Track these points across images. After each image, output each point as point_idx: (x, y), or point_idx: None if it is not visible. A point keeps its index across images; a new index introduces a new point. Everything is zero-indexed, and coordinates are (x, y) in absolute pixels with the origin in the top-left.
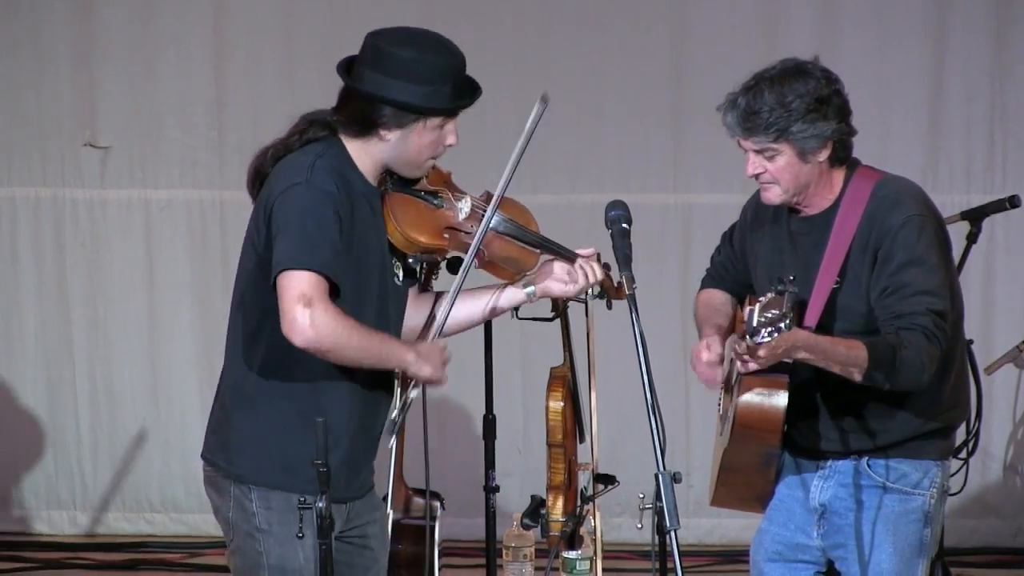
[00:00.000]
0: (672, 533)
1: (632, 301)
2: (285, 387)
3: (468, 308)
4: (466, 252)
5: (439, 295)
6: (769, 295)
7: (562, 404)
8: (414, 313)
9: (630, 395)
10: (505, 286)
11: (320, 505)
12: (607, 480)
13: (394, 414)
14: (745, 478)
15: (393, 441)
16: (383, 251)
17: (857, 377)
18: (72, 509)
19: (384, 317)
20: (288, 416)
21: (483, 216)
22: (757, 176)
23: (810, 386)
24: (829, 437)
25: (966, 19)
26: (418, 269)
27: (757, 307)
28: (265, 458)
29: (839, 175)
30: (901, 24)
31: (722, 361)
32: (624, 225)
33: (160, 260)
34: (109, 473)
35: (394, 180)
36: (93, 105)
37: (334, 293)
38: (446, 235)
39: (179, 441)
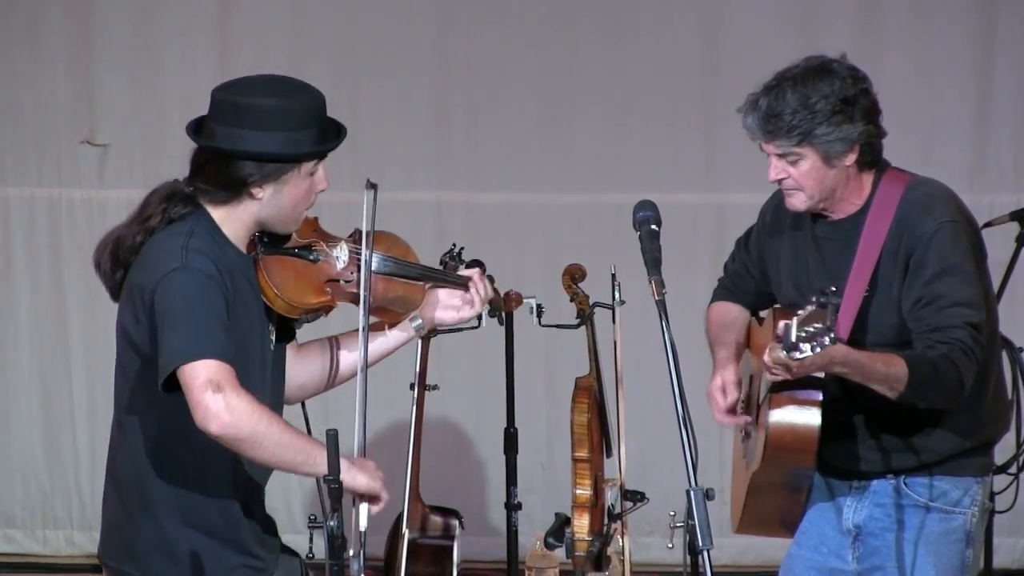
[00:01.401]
0: (705, 553)
1: (662, 307)
2: (176, 481)
3: (355, 355)
4: (350, 302)
5: (323, 343)
6: (809, 308)
7: (588, 416)
8: (301, 370)
9: (660, 406)
10: (389, 327)
11: (331, 524)
12: (636, 497)
13: (350, 551)
14: (774, 502)
15: (409, 455)
16: (261, 321)
17: (893, 395)
18: (69, 528)
19: (262, 388)
20: (185, 512)
21: (360, 260)
22: (780, 182)
23: (841, 402)
24: (866, 457)
25: (1015, 8)
26: (292, 330)
27: (796, 321)
28: (175, 559)
29: (868, 178)
30: (946, 15)
31: (739, 404)
32: (653, 227)
33: None
34: None
35: (264, 242)
36: (92, 100)
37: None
38: (328, 289)
39: None
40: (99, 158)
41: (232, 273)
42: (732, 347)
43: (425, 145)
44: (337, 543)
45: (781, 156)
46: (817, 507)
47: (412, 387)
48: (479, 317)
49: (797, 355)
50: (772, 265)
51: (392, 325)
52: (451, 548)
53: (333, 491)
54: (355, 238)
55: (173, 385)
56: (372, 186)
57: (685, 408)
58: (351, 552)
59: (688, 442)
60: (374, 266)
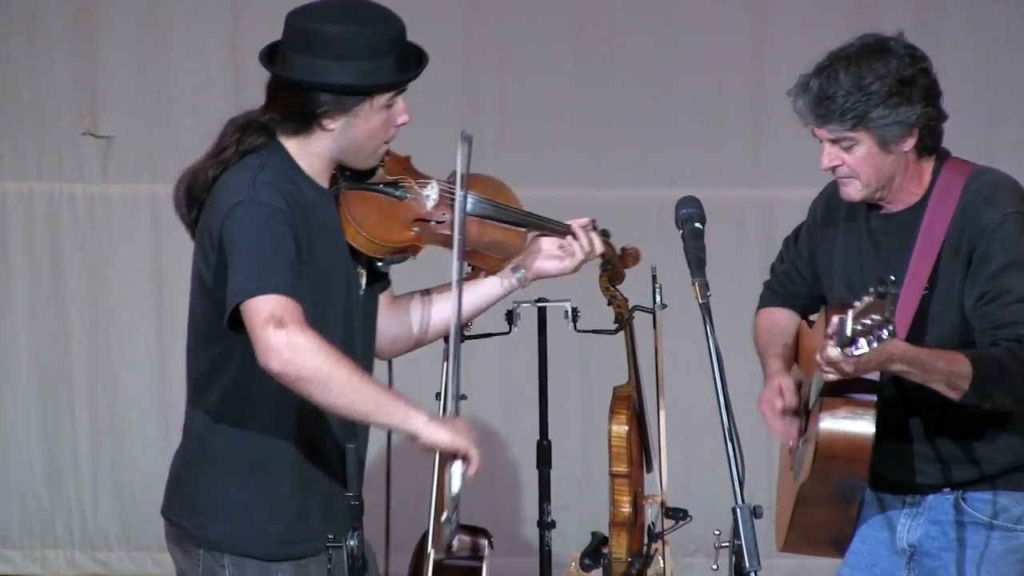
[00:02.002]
0: (752, 575)
1: (706, 310)
2: (246, 442)
3: (448, 308)
4: (440, 244)
5: (417, 295)
6: (866, 299)
7: (627, 428)
8: (393, 322)
9: (704, 417)
10: (487, 274)
11: (352, 544)
12: (678, 515)
13: (444, 516)
14: (823, 516)
15: (435, 470)
16: (345, 262)
17: (955, 395)
18: (70, 548)
19: (349, 336)
20: (253, 476)
21: (453, 201)
22: (834, 169)
23: (896, 406)
24: (922, 468)
25: None
26: (383, 274)
27: (851, 313)
28: (237, 523)
29: (928, 166)
30: None
31: (798, 410)
32: (697, 224)
33: (171, 265)
34: (112, 507)
35: (346, 176)
36: (94, 88)
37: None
38: (415, 229)
39: None
40: (102, 151)
41: (307, 209)
42: (783, 358)
43: (453, 137)
44: (358, 564)
45: (834, 142)
46: (868, 524)
47: (438, 396)
48: (510, 322)
49: (854, 351)
50: (824, 264)
51: (491, 273)
52: (480, 570)
53: (352, 508)
54: (450, 179)
55: (238, 324)
56: (467, 138)
57: (731, 419)
58: (444, 516)
59: (734, 456)
60: (470, 207)
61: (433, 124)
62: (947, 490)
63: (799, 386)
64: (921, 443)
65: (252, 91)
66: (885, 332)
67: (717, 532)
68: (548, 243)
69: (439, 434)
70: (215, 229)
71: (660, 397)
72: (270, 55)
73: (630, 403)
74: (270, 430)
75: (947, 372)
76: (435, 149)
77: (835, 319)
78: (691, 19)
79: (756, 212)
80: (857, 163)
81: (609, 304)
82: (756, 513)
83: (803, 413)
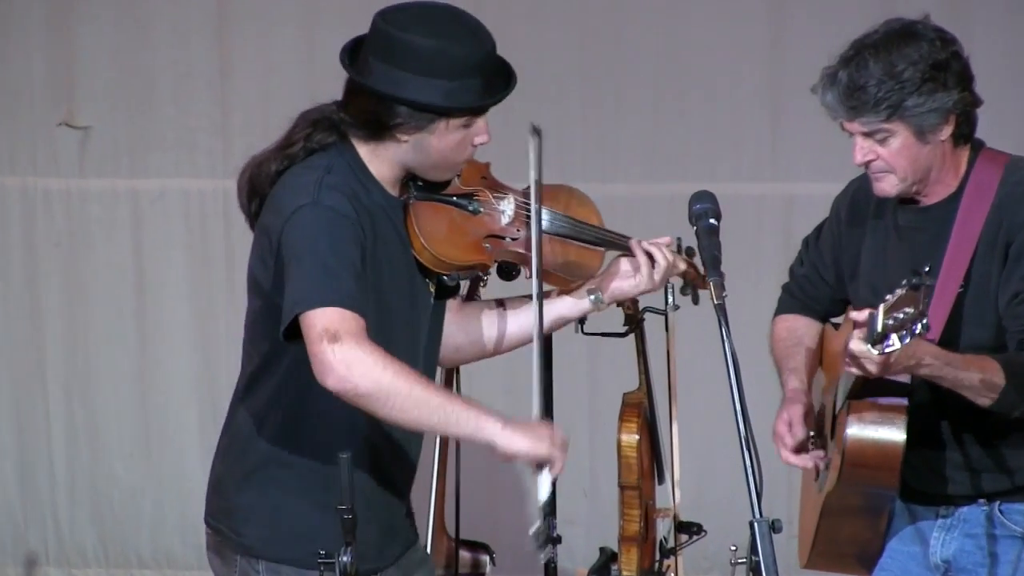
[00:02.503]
0: None
1: (722, 313)
2: (291, 445)
3: (521, 322)
4: (512, 261)
5: (489, 307)
6: (899, 291)
7: (637, 437)
8: (458, 331)
9: (719, 426)
10: (561, 293)
11: (344, 560)
12: (692, 529)
13: (533, 528)
14: (851, 530)
15: (433, 482)
16: (411, 273)
17: (986, 402)
18: (45, 564)
19: (414, 348)
20: (295, 479)
21: (529, 217)
22: (867, 164)
23: (928, 412)
24: (954, 478)
25: None
26: (459, 285)
27: (882, 308)
28: (275, 528)
29: (963, 156)
30: None
31: (807, 445)
32: (712, 221)
33: (152, 263)
34: (90, 522)
35: (418, 186)
36: (71, 76)
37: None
38: (487, 245)
39: (175, 483)
40: (79, 142)
41: (375, 216)
42: (803, 373)
43: None
44: None
45: (868, 135)
46: (899, 538)
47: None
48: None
49: (885, 348)
50: (848, 266)
51: (563, 292)
52: None
53: (345, 522)
54: (528, 192)
55: (296, 334)
56: (536, 132)
57: (748, 428)
58: (533, 528)
59: (752, 467)
60: (546, 226)
61: None
62: (981, 501)
63: (824, 392)
64: (953, 450)
65: (239, 81)
66: (919, 327)
67: (733, 548)
68: (627, 264)
69: (517, 442)
70: (275, 232)
71: (672, 404)
72: (352, 51)
73: (640, 410)
74: (319, 434)
75: (980, 380)
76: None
77: (865, 312)
78: (705, 3)
79: (775, 208)
80: (893, 156)
81: (618, 305)
82: (775, 527)
83: (830, 420)
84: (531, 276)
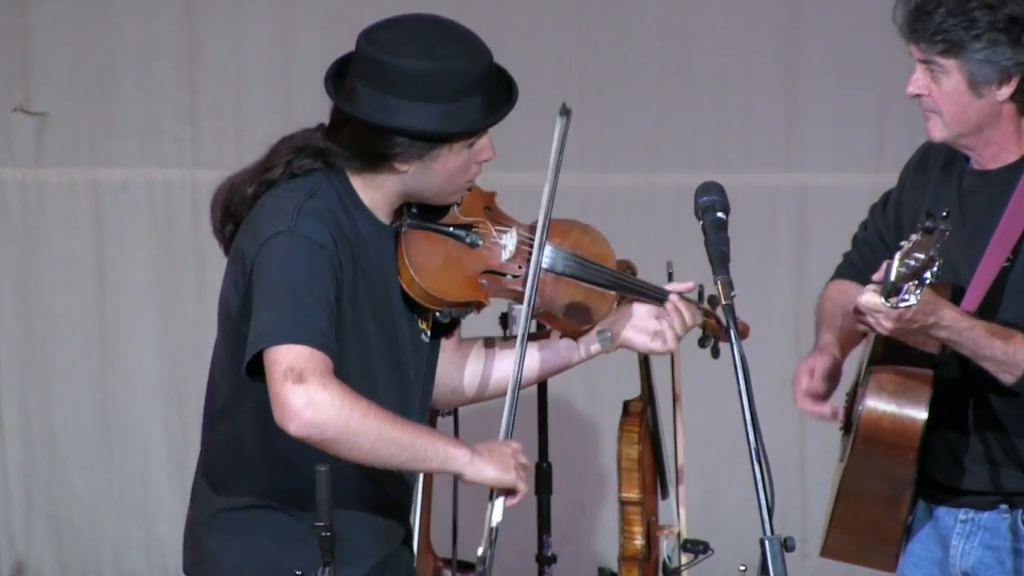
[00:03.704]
0: None
1: (730, 312)
2: (261, 487)
3: (525, 361)
4: (511, 299)
5: (478, 346)
6: (913, 237)
7: (639, 448)
8: (455, 371)
9: (727, 436)
10: (565, 337)
11: None
12: (698, 548)
13: (480, 550)
14: (867, 515)
15: (418, 499)
16: (399, 308)
17: (1008, 379)
18: None
19: (405, 389)
20: (267, 521)
21: (531, 252)
22: (919, 100)
23: (954, 391)
24: (972, 469)
25: None
26: (452, 322)
27: (898, 255)
28: (246, 572)
29: None
30: None
31: (828, 393)
32: (720, 214)
33: (114, 260)
34: (47, 539)
35: (413, 213)
36: (26, 58)
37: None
38: (483, 281)
39: (139, 498)
40: (35, 130)
41: (359, 247)
42: (839, 332)
43: None
44: None
45: (925, 63)
46: (920, 541)
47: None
48: (505, 325)
49: (898, 300)
50: (908, 226)
51: (569, 335)
52: None
53: (324, 540)
54: (534, 227)
55: (258, 369)
56: (566, 111)
57: (759, 438)
58: (479, 552)
59: (762, 480)
60: (550, 263)
61: None
62: (1003, 507)
63: (861, 366)
64: (976, 438)
65: (208, 63)
66: (928, 274)
67: (743, 568)
68: (642, 311)
69: (484, 471)
70: (249, 257)
71: (677, 412)
72: (337, 75)
73: (642, 419)
74: (294, 467)
75: (1002, 351)
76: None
77: (883, 264)
78: None
79: (788, 200)
80: (942, 97)
81: (619, 305)
82: (787, 546)
83: (854, 391)
84: (532, 317)
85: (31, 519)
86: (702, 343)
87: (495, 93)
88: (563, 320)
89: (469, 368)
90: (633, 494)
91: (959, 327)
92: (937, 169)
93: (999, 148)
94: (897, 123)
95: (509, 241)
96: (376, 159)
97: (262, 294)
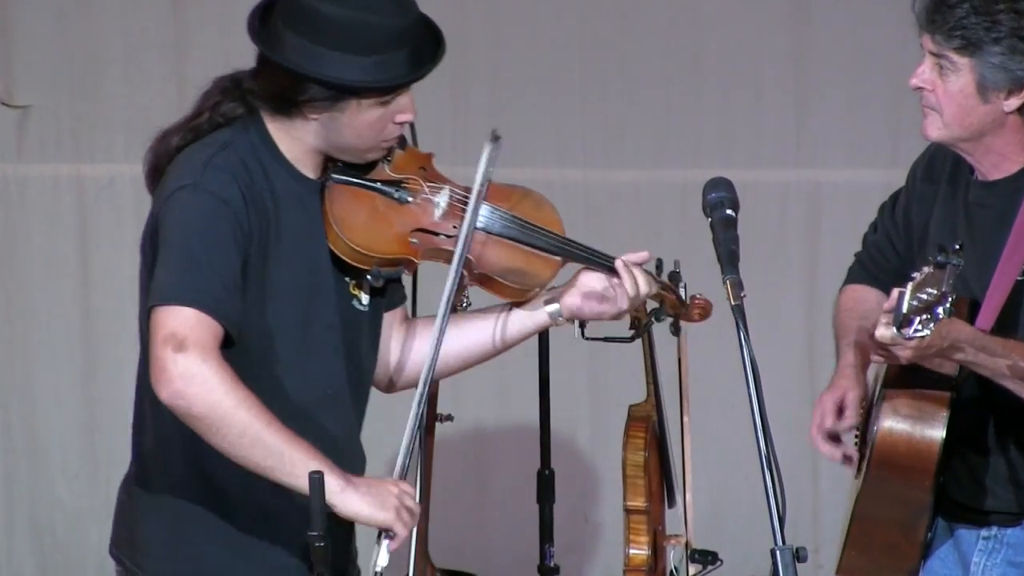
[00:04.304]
0: None
1: (739, 314)
2: (189, 459)
3: (464, 339)
4: (447, 262)
5: (428, 320)
6: (925, 269)
7: (644, 455)
8: (396, 348)
9: (737, 442)
10: (512, 306)
11: None
12: (706, 558)
13: None
14: (884, 537)
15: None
16: (326, 268)
17: None
18: None
19: (335, 361)
20: (197, 503)
21: (465, 211)
22: (921, 93)
23: (974, 411)
24: (995, 491)
25: None
26: (387, 288)
27: (909, 287)
28: (178, 561)
29: None
30: None
31: (856, 426)
32: (728, 212)
33: (99, 258)
34: (29, 547)
35: (339, 167)
36: (7, 49)
37: (229, 341)
38: (413, 239)
39: None
40: (17, 123)
41: (278, 201)
42: (861, 348)
43: (438, 108)
44: None
45: (935, 56)
46: (940, 559)
47: (441, 419)
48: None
49: (908, 332)
50: (917, 235)
51: (518, 305)
52: None
53: (317, 550)
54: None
55: None
56: (496, 139)
57: (769, 444)
58: None
59: (773, 488)
60: (487, 222)
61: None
62: None
63: (876, 380)
64: (997, 458)
65: (197, 54)
66: (941, 310)
67: None
68: (591, 279)
69: (355, 505)
70: (155, 214)
71: (684, 417)
72: (264, 15)
73: (648, 425)
74: (221, 456)
75: (1022, 368)
76: (417, 126)
77: (895, 292)
78: None
79: (799, 197)
80: (946, 96)
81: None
82: (799, 556)
83: (870, 409)
84: (469, 283)
85: (13, 526)
86: (658, 316)
87: (419, 51)
88: (502, 284)
89: (415, 345)
90: (639, 502)
91: (975, 347)
92: (944, 181)
93: (1001, 157)
94: (912, 117)
95: (441, 199)
96: (286, 104)
97: (161, 252)
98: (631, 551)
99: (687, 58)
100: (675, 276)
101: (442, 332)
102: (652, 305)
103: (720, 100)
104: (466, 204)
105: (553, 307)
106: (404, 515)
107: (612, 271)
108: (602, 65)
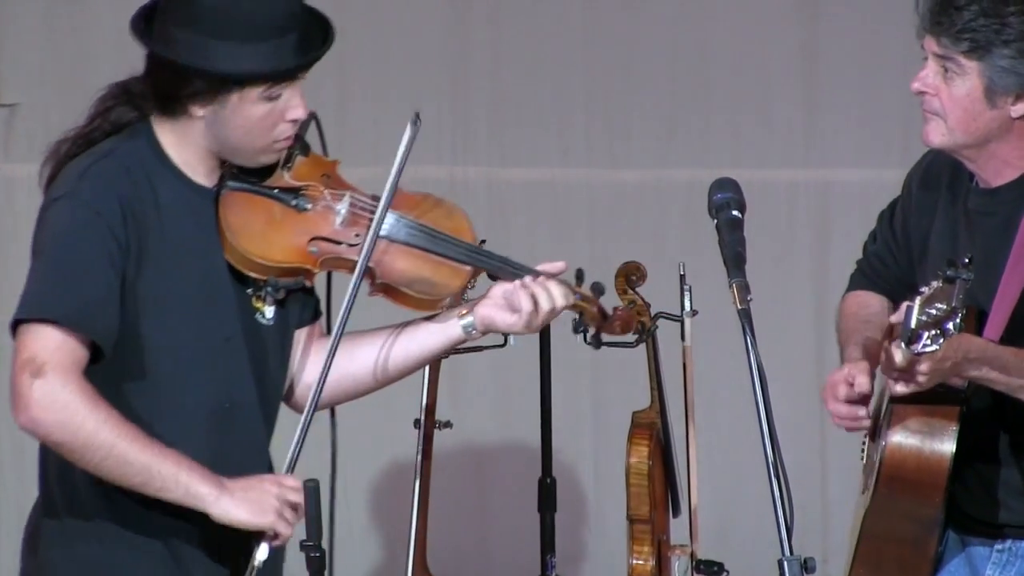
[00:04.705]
0: None
1: (746, 318)
2: (95, 487)
3: (366, 357)
4: (347, 271)
5: (349, 336)
6: (934, 284)
7: (648, 462)
8: (309, 365)
9: (744, 449)
10: (421, 320)
11: None
12: (712, 569)
13: None
14: (895, 554)
15: (414, 513)
16: (223, 280)
17: None
18: None
19: (234, 367)
20: (101, 521)
21: (372, 220)
22: (922, 97)
23: (985, 422)
24: (1008, 503)
25: None
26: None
27: (918, 301)
28: (82, 569)
29: None
30: None
31: (868, 399)
32: (735, 213)
33: None
34: (16, 557)
35: (234, 173)
36: None
37: (102, 353)
38: (312, 248)
39: None
40: (4, 122)
41: (165, 211)
42: (865, 348)
43: (436, 106)
44: None
45: (940, 59)
46: (952, 573)
47: (417, 424)
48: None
49: (917, 348)
50: (918, 246)
51: (427, 319)
52: None
53: (312, 561)
54: (377, 197)
55: None
56: (416, 123)
57: (777, 451)
58: None
59: (781, 496)
60: (391, 232)
61: (408, 92)
62: None
63: (883, 393)
64: (1010, 469)
65: None
66: (951, 325)
67: None
68: (505, 287)
69: (232, 512)
70: (35, 225)
71: (689, 424)
72: (149, 16)
73: (652, 432)
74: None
75: None
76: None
77: (903, 307)
78: None
79: (808, 197)
80: (951, 101)
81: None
82: (807, 567)
83: (877, 427)
84: (372, 292)
85: (0, 541)
86: (575, 329)
87: (304, 43)
88: (407, 294)
89: (310, 364)
90: (642, 511)
91: (987, 358)
92: (943, 189)
93: (1004, 164)
94: None
95: (343, 206)
96: (171, 102)
97: (32, 263)
98: (634, 561)
99: (693, 54)
100: (597, 287)
101: (333, 350)
102: (653, 310)
103: (727, 97)
104: (369, 211)
105: (467, 320)
106: (286, 513)
107: (528, 296)
108: (606, 61)
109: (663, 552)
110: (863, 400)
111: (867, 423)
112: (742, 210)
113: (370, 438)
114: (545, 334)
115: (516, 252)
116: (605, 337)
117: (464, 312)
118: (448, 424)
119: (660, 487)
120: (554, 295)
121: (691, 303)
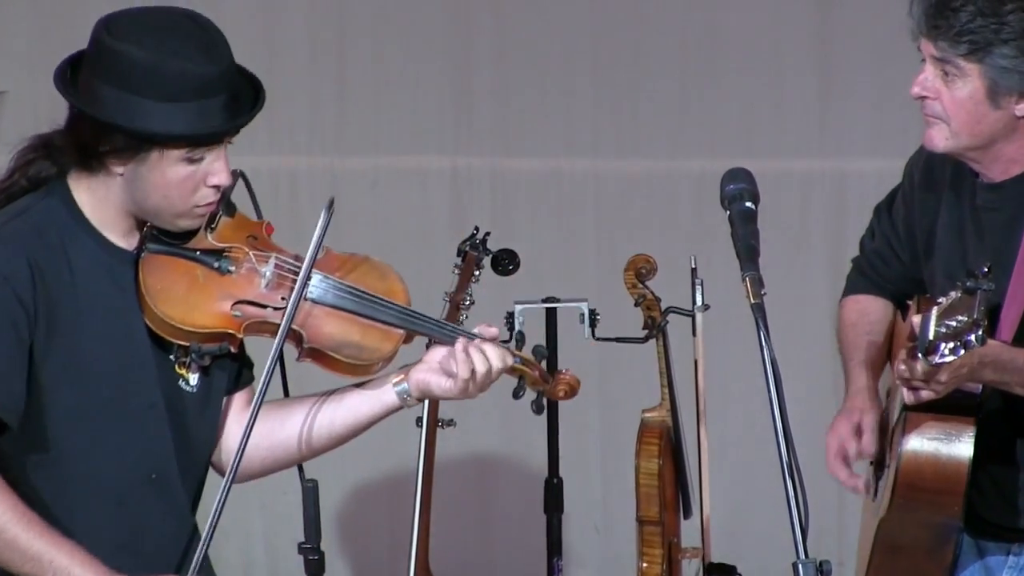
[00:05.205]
0: None
1: (759, 313)
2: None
3: (295, 423)
4: (271, 335)
5: (282, 403)
6: (953, 294)
7: (658, 463)
8: (238, 431)
9: (757, 449)
10: (352, 386)
11: None
12: (724, 572)
13: None
14: (910, 563)
15: (416, 515)
16: (145, 345)
17: None
18: None
19: (155, 435)
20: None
21: (294, 280)
22: (923, 102)
23: (1000, 426)
24: None
25: None
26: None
27: (935, 312)
28: None
29: None
30: None
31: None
32: (748, 204)
33: None
34: None
35: (154, 235)
36: None
37: (5, 426)
38: (236, 312)
39: None
40: None
41: (80, 274)
42: (871, 365)
43: (438, 95)
44: None
45: (939, 62)
46: None
47: (419, 423)
48: (511, 327)
49: (936, 359)
50: (922, 240)
51: (360, 385)
52: None
53: (310, 564)
54: (301, 258)
55: None
56: (330, 207)
57: (791, 450)
58: None
59: (795, 498)
60: (319, 293)
61: (411, 81)
62: None
63: (889, 394)
64: None
65: None
66: (973, 337)
67: None
68: (441, 351)
69: None
70: None
71: (701, 423)
72: (75, 65)
73: (663, 431)
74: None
75: None
76: (414, 113)
77: (917, 318)
78: None
79: (823, 187)
80: (953, 104)
81: (636, 305)
82: (823, 570)
83: (888, 432)
84: (300, 357)
85: None
86: (515, 394)
87: (234, 102)
88: (336, 359)
89: (268, 427)
90: (652, 513)
91: (1003, 362)
92: (946, 186)
93: (1010, 162)
94: None
95: (267, 269)
96: (89, 157)
97: None
98: (644, 564)
99: (704, 40)
100: (539, 350)
101: (253, 418)
102: (663, 305)
103: (739, 85)
104: (294, 274)
105: (402, 386)
106: None
107: (465, 361)
108: (614, 47)
109: (674, 555)
110: (873, 453)
111: (861, 489)
112: (755, 201)
113: (371, 437)
114: (551, 329)
115: (521, 245)
116: (613, 333)
117: (399, 378)
118: (451, 423)
119: (670, 488)
120: (491, 358)
121: (703, 298)
